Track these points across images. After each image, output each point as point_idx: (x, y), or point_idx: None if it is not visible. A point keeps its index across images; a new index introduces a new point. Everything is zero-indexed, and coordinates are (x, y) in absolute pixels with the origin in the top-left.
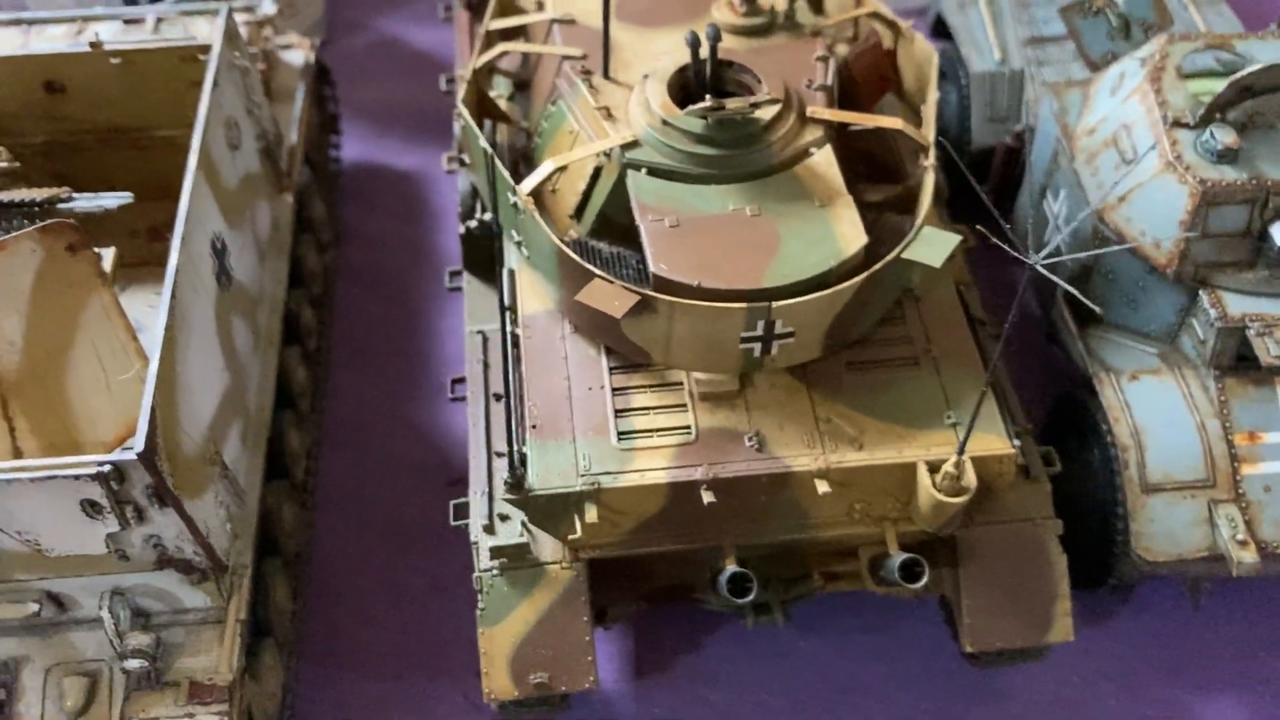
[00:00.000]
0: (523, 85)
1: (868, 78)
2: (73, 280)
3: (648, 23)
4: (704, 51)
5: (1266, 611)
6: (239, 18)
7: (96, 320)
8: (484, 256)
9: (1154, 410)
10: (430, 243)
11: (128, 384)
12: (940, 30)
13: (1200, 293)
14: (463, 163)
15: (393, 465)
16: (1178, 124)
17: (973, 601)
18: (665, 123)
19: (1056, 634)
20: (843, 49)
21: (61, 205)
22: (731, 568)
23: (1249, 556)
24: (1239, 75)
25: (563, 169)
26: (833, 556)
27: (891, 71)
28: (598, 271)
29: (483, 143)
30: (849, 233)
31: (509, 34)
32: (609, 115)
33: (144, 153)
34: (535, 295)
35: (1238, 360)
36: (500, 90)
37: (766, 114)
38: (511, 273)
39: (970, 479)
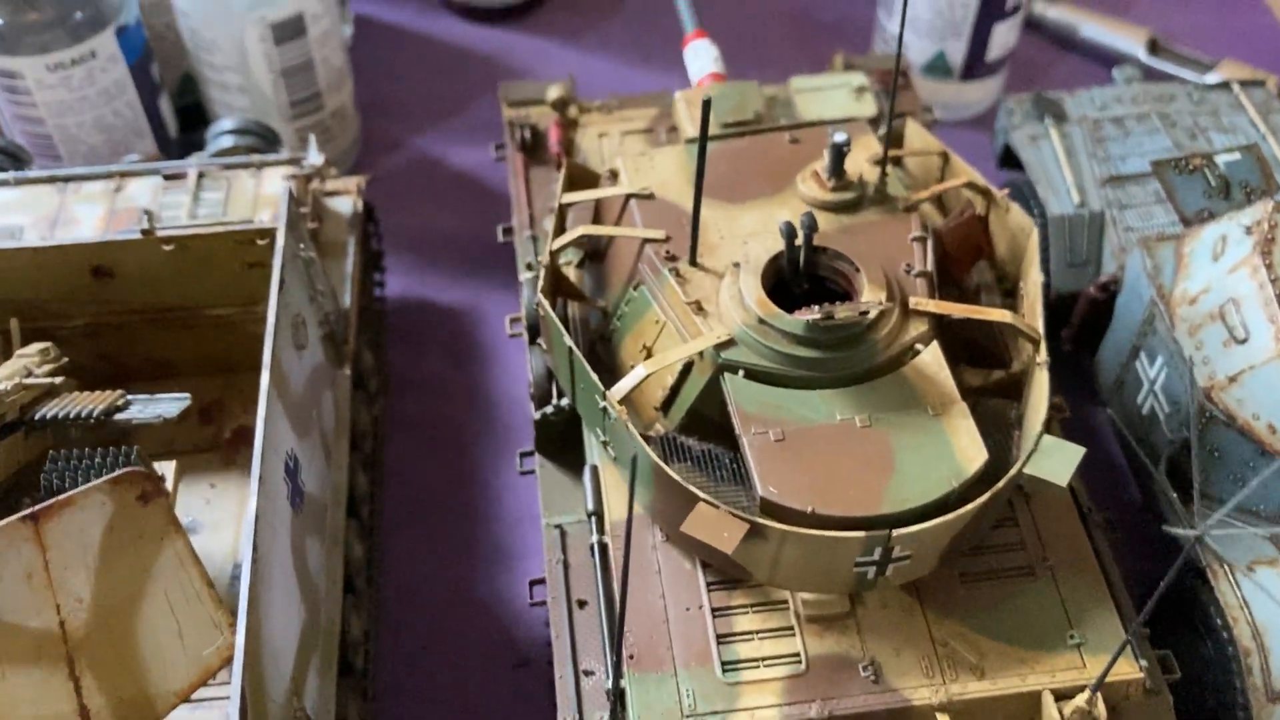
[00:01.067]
0: (594, 255)
1: (961, 247)
2: (144, 531)
3: (731, 198)
4: (798, 239)
5: None
6: (287, 172)
7: (169, 569)
8: (558, 439)
9: (1275, 608)
10: (482, 388)
11: (201, 631)
12: (1008, 158)
13: None
14: (533, 340)
15: (453, 642)
16: None
17: None
18: (762, 321)
19: None
20: (928, 209)
21: (119, 416)
22: None
23: None
24: None
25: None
26: None
27: (984, 239)
28: (702, 495)
29: (568, 341)
30: (968, 448)
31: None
32: (699, 309)
33: (193, 331)
34: (621, 497)
35: None
36: (569, 258)
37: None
38: (595, 470)
39: (1101, 712)
